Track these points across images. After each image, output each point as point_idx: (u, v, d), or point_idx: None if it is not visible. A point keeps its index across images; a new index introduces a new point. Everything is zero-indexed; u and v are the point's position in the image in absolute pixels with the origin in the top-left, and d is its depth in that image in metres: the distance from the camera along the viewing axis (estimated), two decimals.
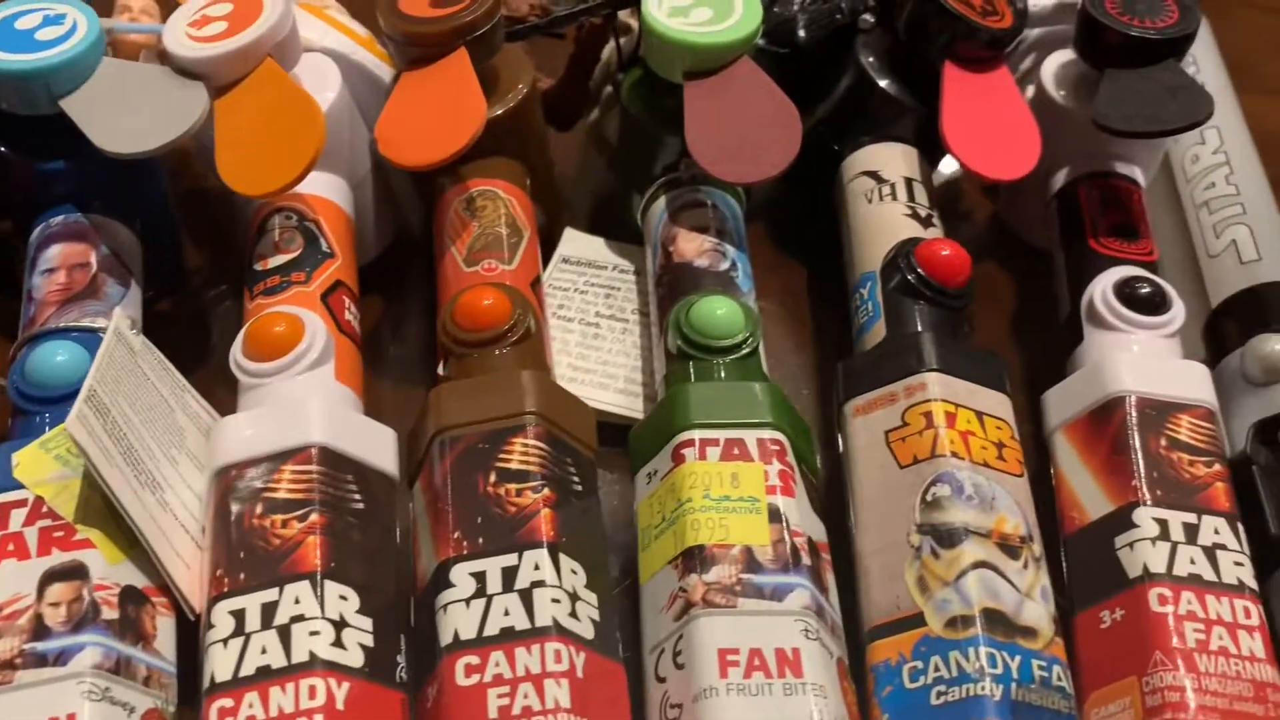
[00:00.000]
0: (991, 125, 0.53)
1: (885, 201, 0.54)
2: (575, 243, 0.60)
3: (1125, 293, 0.50)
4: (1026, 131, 0.53)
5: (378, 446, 0.44)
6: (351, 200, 0.54)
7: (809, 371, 0.58)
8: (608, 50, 0.61)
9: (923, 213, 0.53)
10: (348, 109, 0.54)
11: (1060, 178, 0.58)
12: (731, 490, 0.41)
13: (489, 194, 0.53)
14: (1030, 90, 0.62)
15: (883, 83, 0.56)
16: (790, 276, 0.62)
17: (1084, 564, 0.43)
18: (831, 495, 0.47)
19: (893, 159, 0.56)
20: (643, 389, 0.53)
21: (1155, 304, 0.49)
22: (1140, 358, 0.47)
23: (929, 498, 0.41)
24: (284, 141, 0.47)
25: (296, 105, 0.48)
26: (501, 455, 0.41)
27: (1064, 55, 0.59)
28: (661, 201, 0.55)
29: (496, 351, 0.46)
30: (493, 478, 0.41)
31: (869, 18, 0.58)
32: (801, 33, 0.60)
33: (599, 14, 0.58)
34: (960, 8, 0.53)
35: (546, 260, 0.59)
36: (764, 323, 0.60)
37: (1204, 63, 0.67)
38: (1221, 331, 0.52)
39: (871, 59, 0.57)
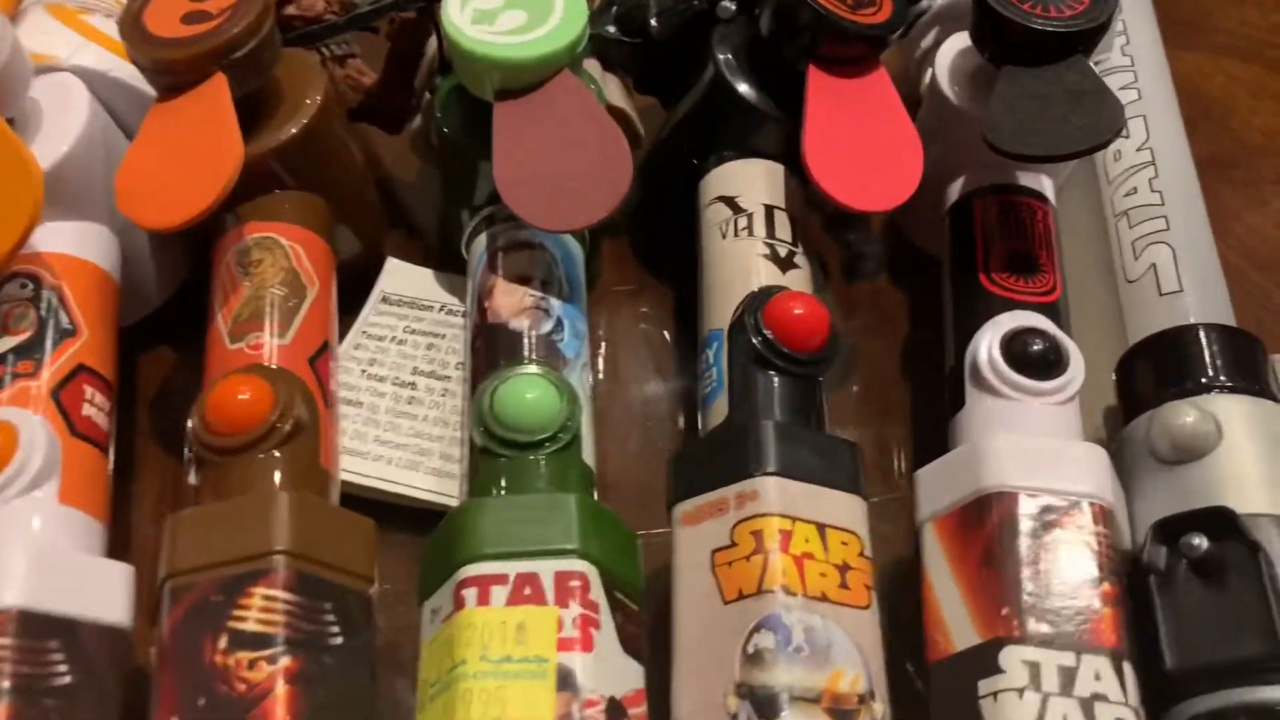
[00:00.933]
0: (864, 142, 0.45)
1: (741, 237, 0.46)
2: (398, 276, 0.52)
3: (1013, 351, 0.42)
4: (905, 151, 0.45)
5: (103, 593, 0.36)
6: (116, 249, 0.46)
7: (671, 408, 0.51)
8: (431, 45, 0.52)
9: (783, 250, 0.45)
10: (102, 141, 0.45)
11: (956, 189, 0.50)
12: (515, 648, 0.34)
13: (267, 243, 0.44)
14: (928, 76, 0.54)
15: (742, 86, 0.47)
16: (658, 298, 0.54)
17: (945, 704, 0.37)
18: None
19: (753, 181, 0.47)
20: (462, 464, 0.46)
21: (1049, 364, 0.42)
22: (1025, 440, 0.40)
23: (751, 649, 0.34)
24: None
25: (3, 158, 0.40)
26: (236, 612, 0.34)
27: (963, 39, 0.50)
28: (482, 240, 0.47)
29: (257, 456, 0.39)
30: (223, 643, 0.34)
31: (729, 4, 0.49)
32: (654, 21, 0.51)
33: (408, 8, 0.49)
34: (826, 2, 0.45)
35: (364, 295, 0.51)
36: (626, 355, 0.53)
37: (1134, 22, 0.59)
38: (1133, 382, 0.45)
39: (730, 56, 0.48)
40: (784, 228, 0.46)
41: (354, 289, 0.51)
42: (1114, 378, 0.46)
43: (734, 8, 0.49)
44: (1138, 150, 0.52)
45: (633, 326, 0.53)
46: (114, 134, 0.46)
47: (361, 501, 0.44)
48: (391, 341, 0.49)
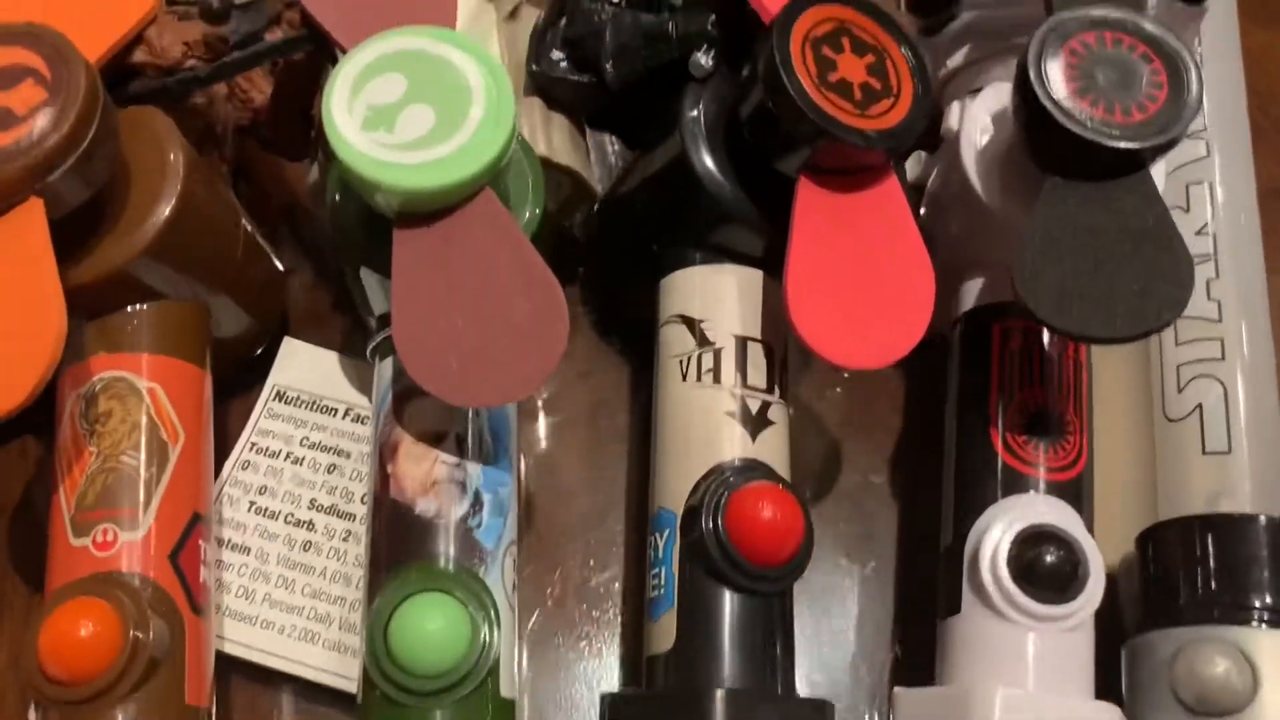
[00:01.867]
0: (863, 276, 0.36)
1: (705, 384, 0.37)
2: (295, 363, 0.43)
3: (1024, 560, 0.35)
4: (914, 288, 0.36)
5: None
6: None
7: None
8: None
9: (756, 404, 0.37)
10: None
11: (971, 291, 0.41)
12: None
13: (117, 388, 0.36)
14: (952, 115, 0.43)
15: (714, 174, 0.37)
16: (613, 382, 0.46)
17: None
18: None
19: (723, 301, 0.38)
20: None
21: (1064, 580, 0.35)
22: (1026, 704, 0.33)
23: None
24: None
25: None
26: None
27: (998, 98, 0.40)
28: (389, 366, 0.38)
29: (104, 710, 0.32)
30: None
31: (704, 60, 0.38)
32: (609, 66, 0.40)
33: (291, 53, 0.38)
34: (824, 102, 0.34)
35: (261, 381, 0.43)
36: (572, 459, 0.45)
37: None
38: (1159, 571, 0.38)
39: (702, 131, 0.38)
40: (759, 369, 0.37)
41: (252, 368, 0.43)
42: (1135, 548, 0.39)
43: (710, 65, 0.38)
44: (1197, 234, 0.43)
45: (580, 419, 0.45)
46: None
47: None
48: (286, 460, 0.41)
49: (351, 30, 0.35)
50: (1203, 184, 0.43)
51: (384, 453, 0.37)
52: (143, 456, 0.35)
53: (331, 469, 0.41)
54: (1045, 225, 0.35)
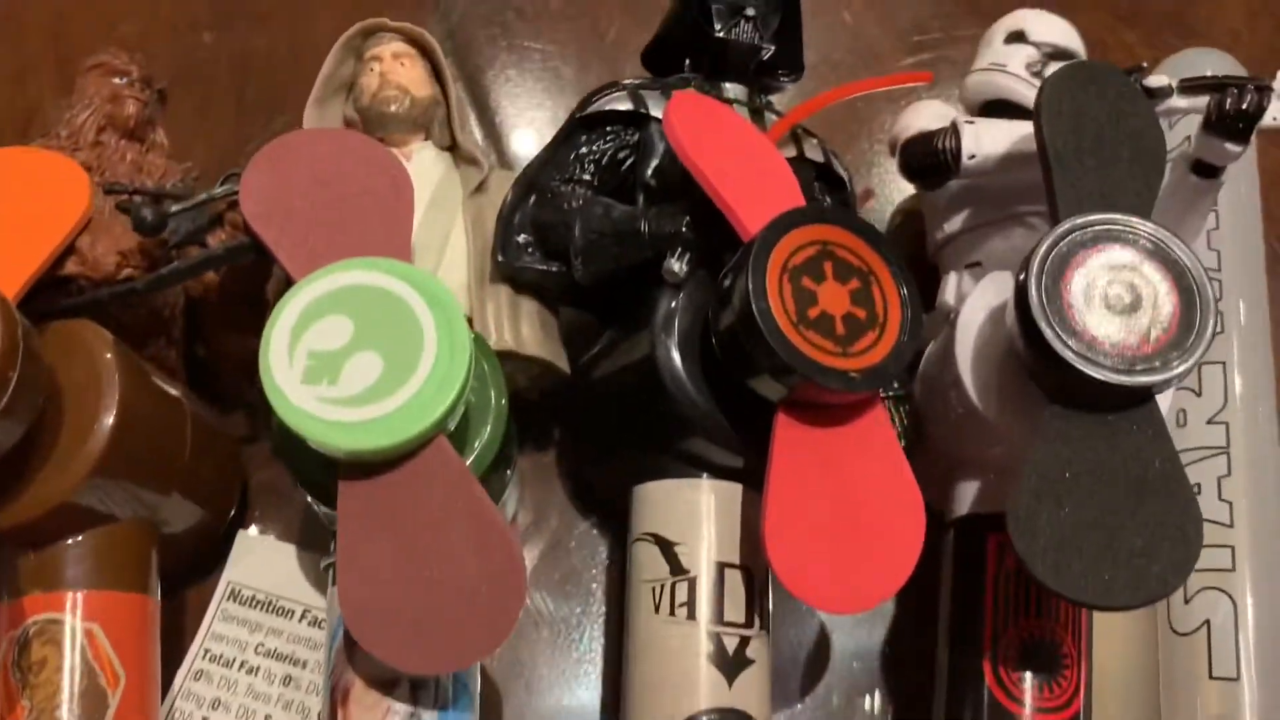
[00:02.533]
0: (847, 513, 0.33)
1: (678, 619, 0.35)
2: (252, 559, 0.41)
3: None
4: (903, 524, 0.33)
5: None
6: None
7: None
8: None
9: (734, 642, 0.34)
10: None
11: (966, 494, 0.38)
12: None
13: (51, 632, 0.33)
14: (948, 293, 0.41)
15: (686, 386, 0.35)
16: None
17: None
18: None
19: (699, 522, 0.35)
20: None
21: None
22: None
23: None
24: None
25: None
26: None
27: (999, 289, 0.37)
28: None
29: None
30: None
31: (676, 267, 0.35)
32: (579, 262, 0.37)
33: (230, 262, 0.36)
34: (802, 343, 0.31)
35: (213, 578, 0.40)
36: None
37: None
38: None
39: (674, 344, 0.35)
40: (738, 601, 0.35)
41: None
42: None
43: (684, 271, 0.35)
44: (1209, 423, 0.40)
45: (551, 615, 0.42)
46: None
47: None
48: (241, 669, 0.39)
49: (298, 259, 0.33)
50: (1218, 365, 0.40)
51: (335, 695, 0.34)
52: (78, 711, 0.33)
53: (287, 680, 0.39)
54: (1043, 463, 0.32)
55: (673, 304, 0.35)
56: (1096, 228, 0.33)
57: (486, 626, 0.31)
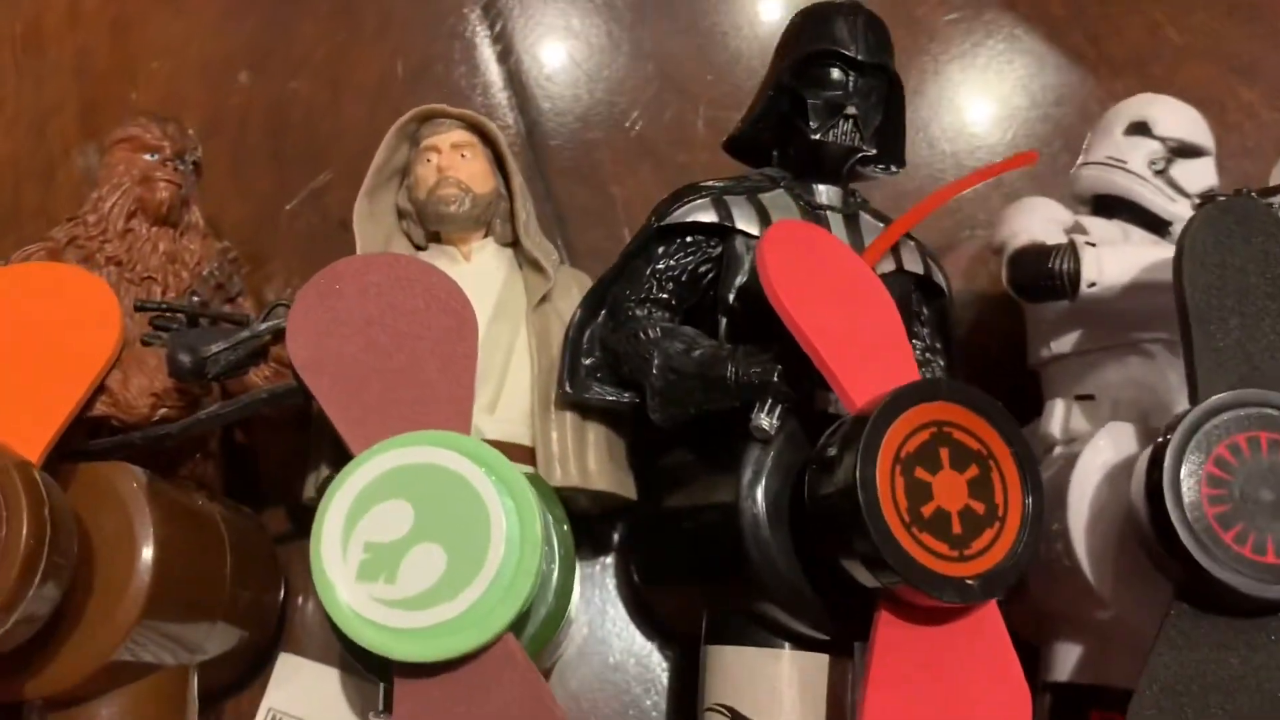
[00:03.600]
0: (947, 716, 0.30)
1: None
2: (294, 682, 0.38)
3: None
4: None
5: None
6: None
7: None
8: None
9: None
10: None
11: (1065, 659, 0.35)
12: None
13: None
14: (1054, 423, 0.37)
15: (771, 558, 0.31)
16: None
17: None
18: None
19: (781, 697, 0.32)
20: None
21: None
22: None
23: None
24: None
25: None
26: None
27: (1117, 448, 0.34)
28: None
29: None
30: None
31: (766, 424, 0.32)
32: (655, 404, 0.34)
33: (269, 407, 0.32)
34: (914, 547, 0.28)
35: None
36: None
37: None
38: None
39: (761, 510, 0.32)
40: None
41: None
42: None
43: (774, 428, 0.32)
44: None
45: None
46: None
47: None
48: None
49: (351, 421, 0.30)
50: None
51: None
52: None
53: None
54: (1166, 671, 0.29)
55: (761, 462, 0.32)
56: (1250, 409, 0.30)
57: None
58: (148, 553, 0.31)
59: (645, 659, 0.40)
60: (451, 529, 0.28)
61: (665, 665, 0.40)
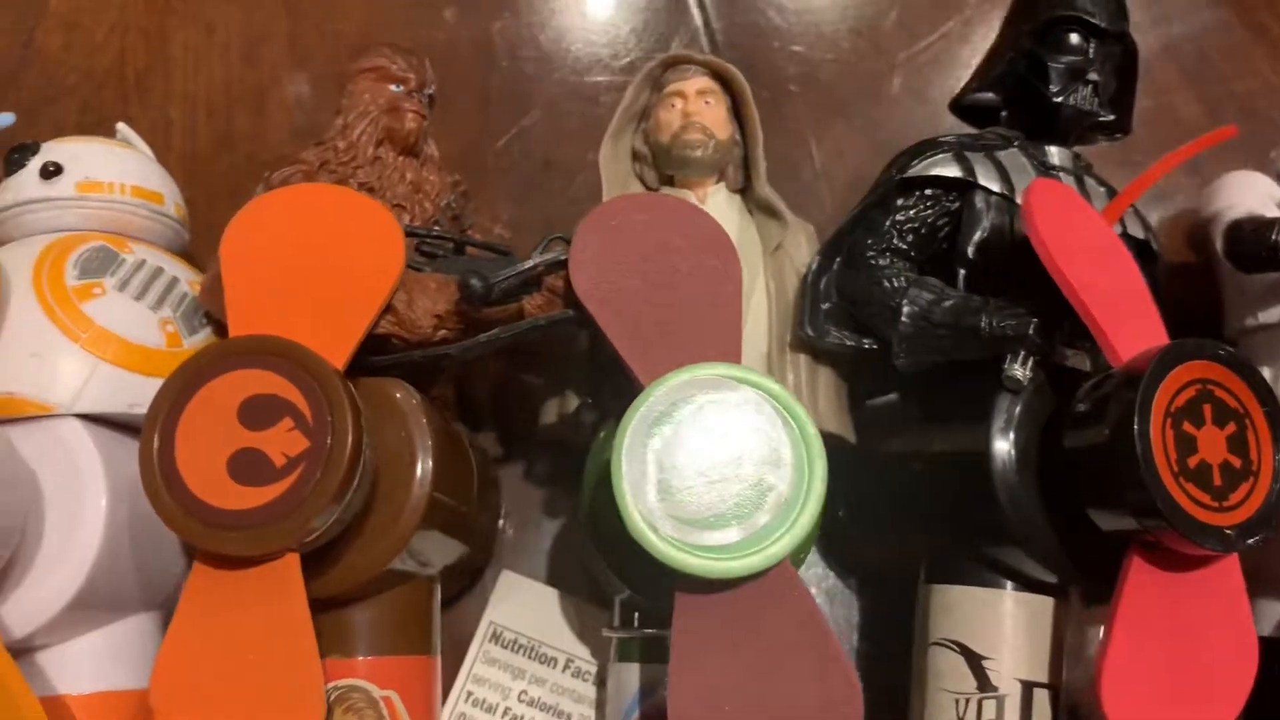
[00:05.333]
0: (1185, 658, 0.32)
1: None
2: (514, 599, 0.40)
3: None
4: (1234, 672, 0.32)
5: None
6: (153, 649, 0.35)
7: None
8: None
9: None
10: (126, 522, 0.33)
11: (1270, 614, 0.37)
12: None
13: (354, 698, 0.33)
14: None
15: (1019, 503, 0.33)
16: None
17: None
18: None
19: (1012, 637, 0.34)
20: None
21: None
22: None
23: None
24: None
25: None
26: None
27: None
28: (632, 672, 0.35)
29: None
30: None
31: (1020, 374, 0.33)
32: (900, 350, 0.35)
33: (544, 332, 0.34)
34: (1181, 496, 0.29)
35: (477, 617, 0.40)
36: None
37: None
38: None
39: (1011, 457, 0.33)
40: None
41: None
42: None
43: (1028, 379, 0.33)
44: None
45: None
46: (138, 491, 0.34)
47: None
48: (504, 717, 0.38)
49: (636, 351, 0.31)
50: None
51: None
52: None
53: None
54: None
55: (1011, 411, 0.33)
56: None
57: None
58: (426, 466, 0.33)
59: (843, 599, 0.42)
60: (741, 456, 0.30)
61: (860, 604, 0.42)
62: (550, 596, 0.40)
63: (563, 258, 0.33)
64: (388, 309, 0.33)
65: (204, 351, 0.30)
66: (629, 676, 0.35)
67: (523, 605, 0.40)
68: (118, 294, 0.34)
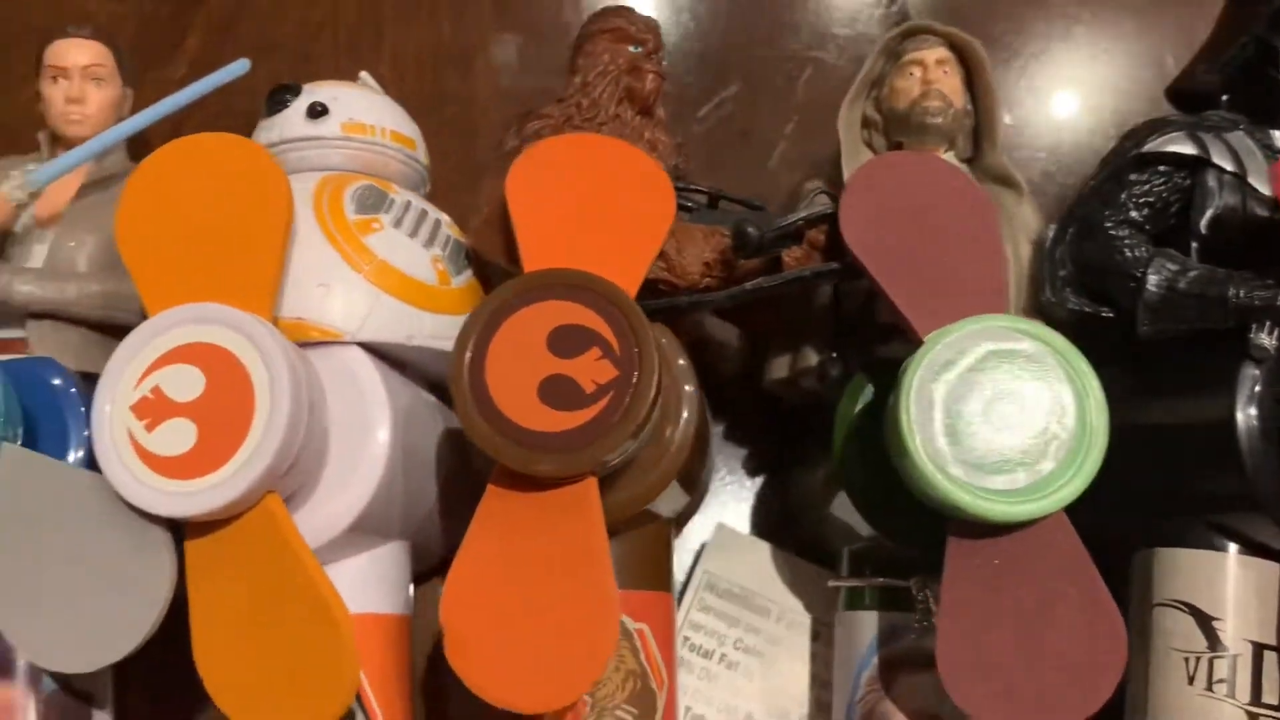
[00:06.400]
0: None
1: (1217, 694, 0.35)
2: (728, 551, 0.41)
3: None
4: None
5: None
6: (408, 577, 0.36)
7: None
8: None
9: None
10: (401, 456, 0.34)
11: None
12: None
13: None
14: None
15: (1262, 470, 0.34)
16: None
17: None
18: None
19: (1241, 599, 0.35)
20: None
21: None
22: None
23: None
24: (294, 668, 0.29)
25: (315, 611, 0.29)
26: None
27: None
28: (867, 620, 0.36)
29: None
30: None
31: (1267, 342, 0.34)
32: (1145, 318, 0.36)
33: (816, 285, 0.35)
34: None
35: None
36: None
37: None
38: None
39: (1256, 426, 0.34)
40: (1273, 684, 0.35)
41: None
42: None
43: (1273, 348, 0.34)
44: None
45: None
46: (414, 415, 0.35)
47: None
48: (720, 663, 0.40)
49: (909, 300, 0.32)
50: None
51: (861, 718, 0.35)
52: (635, 711, 0.34)
53: (766, 679, 0.39)
54: None
55: (1257, 380, 0.34)
56: None
57: (1084, 691, 0.31)
58: (691, 410, 0.34)
59: None
60: (1026, 404, 0.31)
61: None
62: (762, 549, 0.41)
63: (828, 211, 0.34)
64: (659, 255, 0.34)
65: (512, 283, 0.31)
66: (864, 624, 0.36)
67: (737, 557, 0.41)
68: (394, 230, 0.35)
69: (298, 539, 0.29)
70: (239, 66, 0.42)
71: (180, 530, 0.30)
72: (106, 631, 0.30)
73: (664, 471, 0.33)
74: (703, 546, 0.41)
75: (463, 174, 0.45)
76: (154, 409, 0.29)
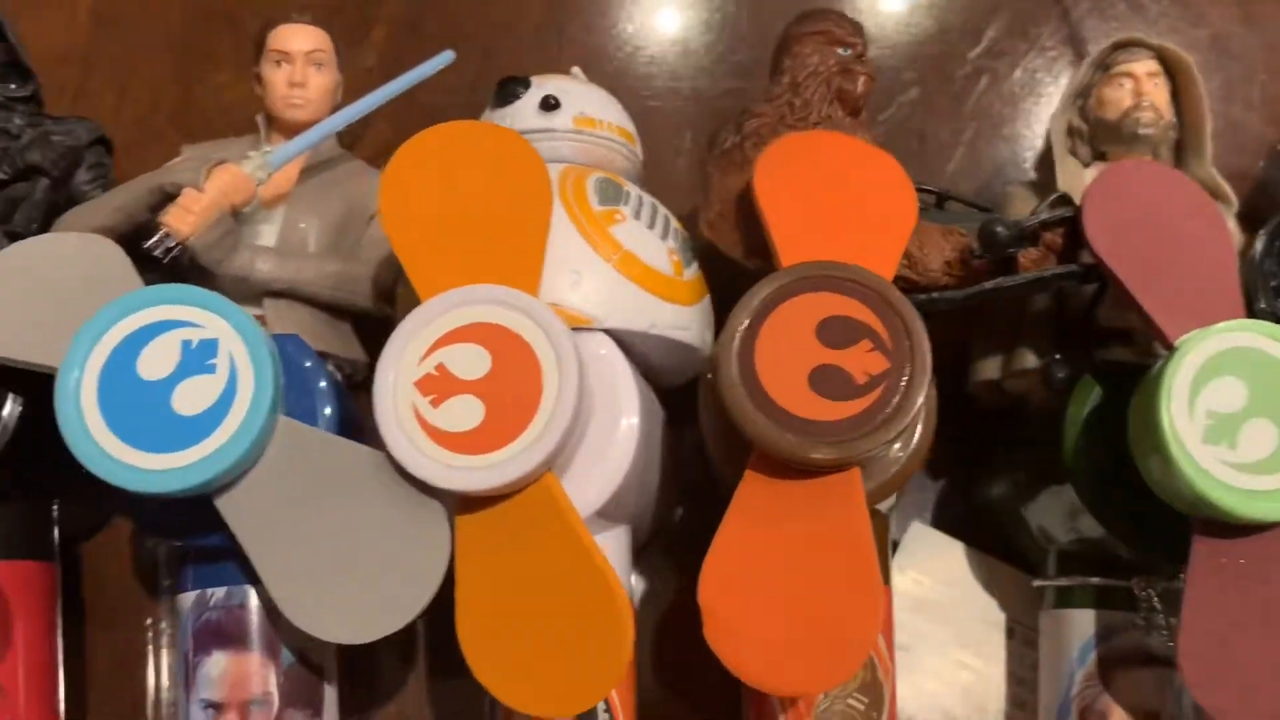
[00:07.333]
0: None
1: None
2: (920, 546, 0.42)
3: None
4: None
5: None
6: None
7: None
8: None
9: None
10: (644, 444, 0.35)
11: None
12: None
13: None
14: None
15: None
16: None
17: None
18: None
19: None
20: None
21: None
22: None
23: None
24: (567, 644, 0.30)
25: (593, 587, 0.30)
26: None
27: None
28: (1082, 618, 0.37)
29: None
30: None
31: None
32: None
33: (1053, 286, 0.35)
34: None
35: None
36: None
37: None
38: None
39: None
40: None
41: None
42: None
43: None
44: None
45: None
46: (648, 403, 0.36)
47: None
48: (916, 658, 0.40)
49: (1157, 304, 0.33)
50: None
51: (1077, 714, 0.36)
52: (866, 700, 0.35)
53: (966, 674, 0.40)
54: None
55: None
56: None
57: None
58: (930, 408, 0.35)
59: None
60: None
61: None
62: (956, 548, 0.42)
63: (1068, 215, 0.35)
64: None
65: (780, 274, 0.32)
66: (1078, 622, 0.37)
67: (930, 555, 0.42)
68: (635, 221, 0.36)
69: (575, 516, 0.30)
70: (444, 58, 0.42)
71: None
72: (381, 604, 0.31)
73: (907, 466, 0.34)
74: (895, 544, 0.42)
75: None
76: (439, 385, 0.30)
